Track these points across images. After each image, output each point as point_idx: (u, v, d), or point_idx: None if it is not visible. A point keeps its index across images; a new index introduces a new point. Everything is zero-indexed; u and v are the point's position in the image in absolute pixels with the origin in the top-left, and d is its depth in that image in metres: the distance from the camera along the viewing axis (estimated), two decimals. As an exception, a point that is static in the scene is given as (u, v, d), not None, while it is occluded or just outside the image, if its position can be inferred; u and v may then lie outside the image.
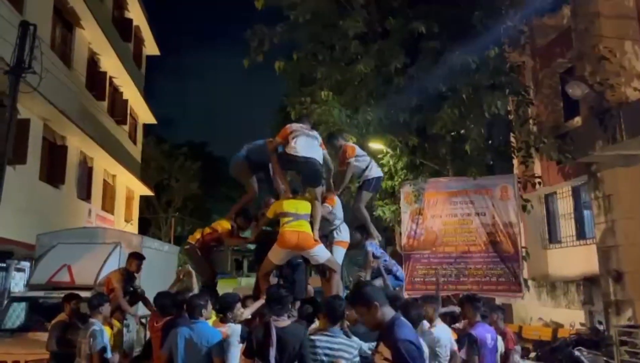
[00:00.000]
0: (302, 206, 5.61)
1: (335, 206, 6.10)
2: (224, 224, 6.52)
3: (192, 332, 4.62)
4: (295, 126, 6.04)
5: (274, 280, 5.69)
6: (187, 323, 4.75)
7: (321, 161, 5.92)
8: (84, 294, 7.66)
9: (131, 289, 7.05)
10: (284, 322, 4.11)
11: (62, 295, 7.69)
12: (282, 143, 5.94)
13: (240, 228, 6.60)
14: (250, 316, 5.30)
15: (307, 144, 5.78)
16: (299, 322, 4.49)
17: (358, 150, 6.84)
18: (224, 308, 4.87)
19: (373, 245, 6.78)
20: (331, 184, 6.44)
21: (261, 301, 5.10)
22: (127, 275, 6.98)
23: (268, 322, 4.03)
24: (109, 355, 5.43)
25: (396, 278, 6.90)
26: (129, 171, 20.36)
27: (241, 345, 4.67)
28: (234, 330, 4.65)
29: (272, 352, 3.83)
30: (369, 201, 8.01)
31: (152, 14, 23.34)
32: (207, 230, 6.46)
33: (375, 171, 6.81)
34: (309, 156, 5.70)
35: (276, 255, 5.49)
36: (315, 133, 6.11)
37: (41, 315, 7.89)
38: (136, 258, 7.28)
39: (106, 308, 5.65)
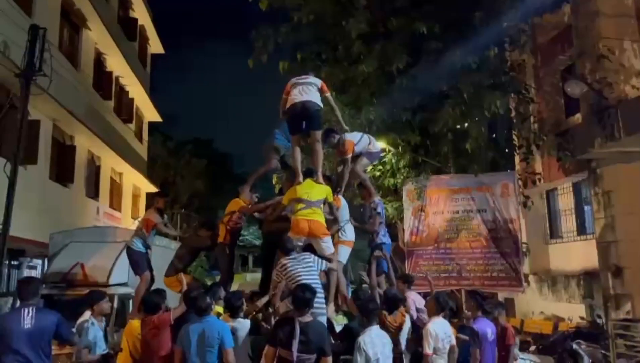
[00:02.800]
0: (315, 192, 5.90)
1: (341, 207, 6.34)
2: (236, 202, 6.94)
3: (204, 326, 4.86)
4: (294, 79, 6.54)
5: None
6: (197, 319, 5.00)
7: (319, 103, 6.34)
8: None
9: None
10: (307, 318, 4.42)
11: (77, 292, 8.04)
12: (286, 98, 6.42)
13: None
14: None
15: (302, 91, 6.28)
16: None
17: (355, 136, 7.18)
18: (234, 308, 5.12)
19: (379, 203, 7.24)
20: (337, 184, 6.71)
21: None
22: (161, 213, 7.60)
23: (292, 318, 4.37)
24: (95, 351, 5.73)
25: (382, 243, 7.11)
26: (136, 169, 20.64)
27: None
28: (244, 325, 4.88)
29: (295, 343, 4.20)
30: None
31: (156, 12, 23.53)
32: (226, 219, 6.75)
33: (376, 146, 7.40)
34: (305, 99, 6.20)
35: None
36: (312, 80, 6.52)
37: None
38: (162, 196, 8.06)
39: (101, 306, 5.95)
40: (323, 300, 5.19)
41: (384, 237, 7.13)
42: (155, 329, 5.23)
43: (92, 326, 5.80)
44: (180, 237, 9.67)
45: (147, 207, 25.34)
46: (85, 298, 6.18)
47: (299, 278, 5.01)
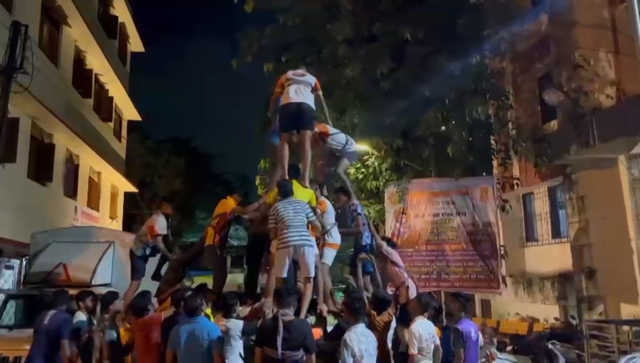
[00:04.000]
0: (299, 195, 5.99)
1: (327, 211, 6.45)
2: (228, 204, 6.93)
3: (195, 327, 4.91)
4: (289, 74, 6.66)
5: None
6: (187, 320, 5.04)
7: (313, 105, 6.51)
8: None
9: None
10: (289, 316, 4.56)
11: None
12: (280, 92, 6.56)
13: (240, 204, 7.15)
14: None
15: (298, 91, 6.40)
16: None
17: (331, 128, 7.34)
18: (228, 307, 5.18)
19: (358, 204, 7.38)
20: (320, 193, 6.81)
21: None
22: (166, 218, 7.65)
23: (276, 316, 4.51)
24: None
25: (364, 246, 7.25)
26: (114, 168, 20.41)
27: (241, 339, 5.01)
28: (236, 325, 4.95)
29: (279, 340, 4.34)
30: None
31: (137, 10, 23.27)
32: (214, 222, 6.79)
33: (353, 146, 7.48)
34: (300, 100, 6.34)
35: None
36: (307, 78, 6.65)
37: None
38: (169, 201, 8.03)
39: (116, 305, 5.93)
40: (309, 233, 5.60)
41: (367, 239, 7.28)
42: (145, 329, 5.26)
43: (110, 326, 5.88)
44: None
45: (126, 208, 25.12)
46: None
47: (286, 219, 5.47)
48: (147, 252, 7.50)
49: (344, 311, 5.41)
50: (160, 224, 7.49)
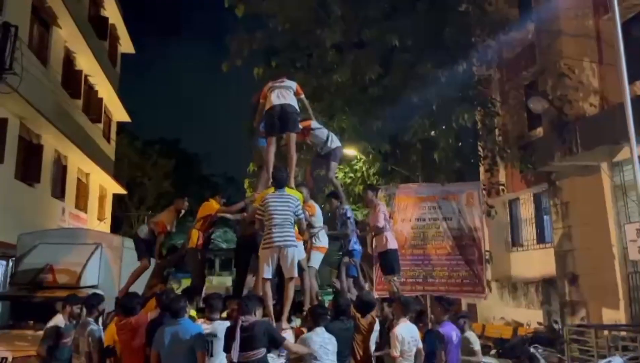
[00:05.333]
0: None
1: (315, 214, 6.55)
2: (211, 206, 6.99)
3: (178, 328, 5.01)
4: (270, 83, 6.86)
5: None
6: (171, 322, 5.12)
7: (296, 106, 6.71)
8: (68, 294, 7.97)
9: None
10: (252, 319, 4.74)
11: (46, 294, 7.99)
12: (264, 102, 6.74)
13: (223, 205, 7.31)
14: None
15: (280, 94, 6.62)
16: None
17: (314, 123, 7.51)
18: (212, 310, 5.27)
19: (347, 209, 7.61)
20: (309, 196, 6.92)
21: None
22: (177, 214, 7.70)
23: (237, 322, 4.69)
24: None
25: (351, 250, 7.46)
26: (103, 169, 20.33)
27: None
28: (222, 326, 5.03)
29: (235, 345, 4.53)
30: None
31: (127, 11, 23.23)
32: (198, 225, 6.86)
33: (336, 142, 7.61)
34: (283, 102, 6.55)
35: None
36: (289, 83, 6.87)
37: (25, 314, 8.09)
38: (182, 198, 8.00)
39: (100, 308, 5.97)
40: (293, 233, 5.70)
41: (355, 244, 7.41)
42: (132, 331, 5.32)
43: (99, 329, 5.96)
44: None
45: (114, 209, 25.03)
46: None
47: (274, 216, 5.61)
48: (150, 238, 7.58)
49: (308, 316, 5.54)
50: (169, 221, 7.58)
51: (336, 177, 8.37)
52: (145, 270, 7.55)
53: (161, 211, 8.54)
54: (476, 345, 6.79)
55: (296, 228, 5.88)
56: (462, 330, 6.71)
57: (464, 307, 15.80)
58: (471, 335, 6.88)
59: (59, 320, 6.10)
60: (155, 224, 7.63)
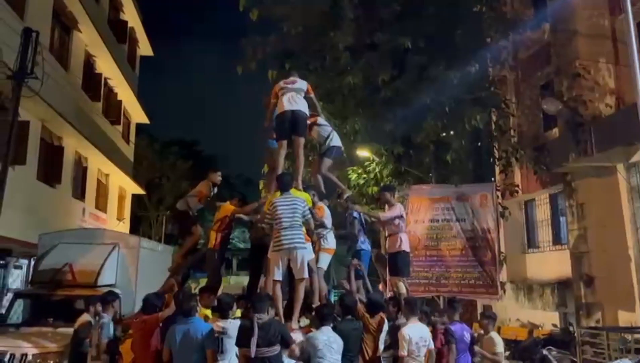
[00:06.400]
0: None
1: (325, 216, 6.64)
2: (227, 208, 7.16)
3: (189, 327, 5.19)
4: (282, 83, 6.92)
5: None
6: (182, 320, 5.28)
7: (306, 111, 6.78)
8: (86, 292, 8.24)
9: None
10: (265, 318, 4.91)
11: (65, 292, 8.24)
12: (274, 103, 6.85)
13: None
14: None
15: (292, 99, 6.68)
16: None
17: (321, 119, 7.54)
18: (224, 309, 5.41)
19: (357, 213, 7.68)
20: (322, 194, 7.02)
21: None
22: (212, 187, 7.80)
23: (252, 319, 4.87)
24: None
25: (358, 250, 7.50)
26: (122, 170, 20.73)
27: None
28: (234, 325, 5.17)
29: (254, 341, 4.70)
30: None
31: (146, 14, 23.62)
32: (216, 226, 7.01)
33: (335, 141, 7.53)
34: (294, 108, 6.63)
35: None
36: (300, 85, 6.92)
37: (44, 311, 8.34)
38: (215, 171, 8.01)
39: (117, 304, 6.17)
40: (302, 235, 5.79)
41: (362, 244, 7.47)
42: (143, 329, 5.50)
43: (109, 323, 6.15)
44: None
45: (133, 209, 25.45)
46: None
47: (283, 219, 5.70)
48: (192, 213, 7.70)
49: (315, 316, 5.65)
50: (208, 190, 7.70)
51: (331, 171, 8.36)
52: (198, 240, 7.76)
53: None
54: (499, 346, 6.62)
55: (304, 229, 5.98)
56: (486, 331, 6.77)
57: (479, 308, 15.75)
58: (495, 336, 6.74)
59: (87, 317, 6.32)
60: (196, 194, 7.71)
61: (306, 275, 5.87)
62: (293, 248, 5.69)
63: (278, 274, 5.75)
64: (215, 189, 7.93)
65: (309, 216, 6.00)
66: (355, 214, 7.49)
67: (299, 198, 5.99)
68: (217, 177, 7.94)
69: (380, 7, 11.61)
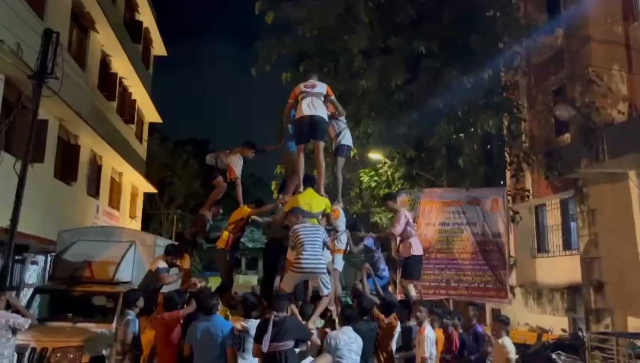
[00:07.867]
0: (315, 204, 6.33)
1: (340, 218, 6.78)
2: (243, 210, 7.33)
3: (209, 324, 5.32)
4: (302, 87, 6.93)
5: None
6: (203, 318, 5.43)
7: (326, 116, 6.81)
8: (104, 288, 8.44)
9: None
10: (282, 314, 5.10)
11: (84, 288, 8.45)
12: (293, 103, 6.91)
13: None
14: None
15: (311, 104, 6.70)
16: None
17: (341, 115, 7.61)
18: (248, 307, 5.57)
19: (370, 241, 7.84)
20: (339, 196, 7.16)
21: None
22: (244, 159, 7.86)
23: (269, 317, 5.05)
24: None
25: (380, 277, 7.57)
26: (135, 168, 20.97)
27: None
28: (255, 324, 5.32)
29: (267, 336, 4.88)
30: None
31: (160, 14, 23.88)
32: (230, 227, 7.16)
33: (347, 140, 7.62)
34: (314, 113, 6.65)
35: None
36: (320, 89, 6.92)
37: (63, 307, 8.54)
38: (252, 147, 7.94)
39: (141, 302, 6.33)
40: (324, 260, 5.86)
41: (383, 272, 7.70)
42: (164, 326, 5.66)
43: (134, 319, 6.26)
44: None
45: (145, 207, 25.72)
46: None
47: (304, 242, 5.70)
48: (220, 168, 7.87)
49: (339, 318, 5.78)
50: (239, 167, 7.74)
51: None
52: (221, 192, 7.92)
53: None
54: (512, 353, 6.33)
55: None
56: (498, 335, 6.65)
57: (488, 312, 15.81)
58: (507, 342, 6.46)
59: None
60: (226, 154, 7.80)
61: (327, 292, 5.97)
62: (313, 273, 5.84)
63: (291, 288, 5.87)
64: (242, 164, 7.87)
65: (328, 240, 6.11)
66: (369, 244, 7.67)
67: (320, 228, 6.03)
68: (250, 153, 7.90)
69: (395, 12, 11.71)
